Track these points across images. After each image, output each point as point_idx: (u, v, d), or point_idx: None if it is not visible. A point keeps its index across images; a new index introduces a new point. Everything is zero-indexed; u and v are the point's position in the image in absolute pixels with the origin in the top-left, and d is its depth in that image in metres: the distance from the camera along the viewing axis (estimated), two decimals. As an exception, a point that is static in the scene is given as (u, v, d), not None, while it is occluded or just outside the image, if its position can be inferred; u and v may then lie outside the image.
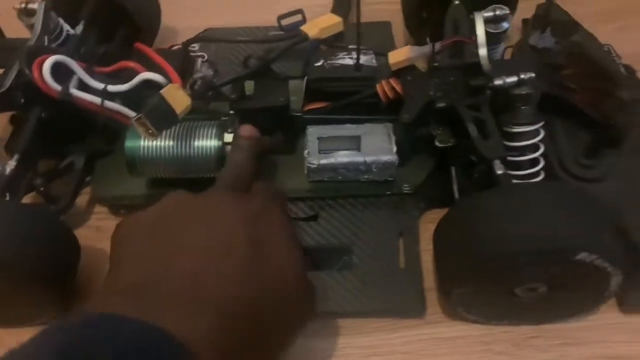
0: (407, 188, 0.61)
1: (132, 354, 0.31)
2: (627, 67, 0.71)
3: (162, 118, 0.51)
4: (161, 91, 0.52)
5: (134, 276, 0.39)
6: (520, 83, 0.52)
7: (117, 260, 0.42)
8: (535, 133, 0.53)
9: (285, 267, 0.42)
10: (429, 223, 0.60)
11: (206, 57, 0.69)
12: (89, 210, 0.65)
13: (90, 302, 0.43)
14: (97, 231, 0.64)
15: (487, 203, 0.47)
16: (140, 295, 0.37)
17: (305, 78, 0.63)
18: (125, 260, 0.42)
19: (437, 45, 0.59)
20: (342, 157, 0.60)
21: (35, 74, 0.54)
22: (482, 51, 0.56)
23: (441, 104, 0.56)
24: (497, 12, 0.59)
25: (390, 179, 0.61)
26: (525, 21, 0.75)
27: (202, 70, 0.65)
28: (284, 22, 0.74)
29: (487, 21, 0.59)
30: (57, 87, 0.55)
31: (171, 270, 0.39)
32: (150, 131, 0.49)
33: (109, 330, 0.32)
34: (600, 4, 0.81)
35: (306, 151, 0.60)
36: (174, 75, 0.58)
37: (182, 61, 0.64)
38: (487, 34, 0.58)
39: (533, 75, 0.52)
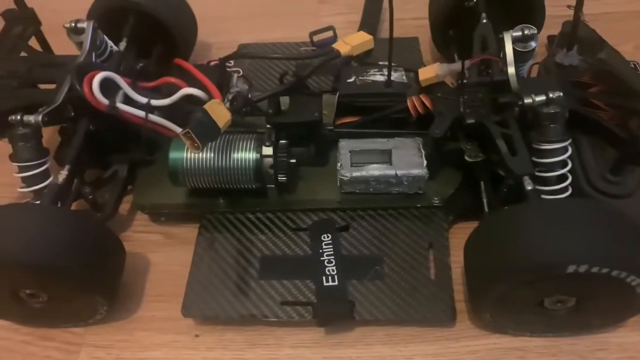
0: (436, 201, 0.63)
1: None
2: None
3: (206, 132, 0.53)
4: (204, 106, 0.55)
5: None
6: (548, 102, 0.54)
7: None
8: (564, 150, 0.55)
9: None
10: (457, 235, 0.62)
11: (241, 72, 0.72)
12: (130, 217, 0.68)
13: None
14: (136, 238, 0.67)
15: (519, 217, 0.49)
16: None
17: (337, 93, 0.65)
18: None
19: (467, 63, 0.61)
20: (374, 170, 0.62)
21: (86, 89, 0.57)
22: (511, 69, 0.58)
23: (470, 120, 0.58)
24: (526, 32, 0.61)
25: (420, 191, 0.63)
26: (550, 38, 0.77)
27: (237, 85, 0.68)
28: (316, 38, 0.77)
29: (515, 40, 0.61)
30: (105, 101, 0.58)
31: None
32: (195, 144, 0.52)
33: None
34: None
35: (339, 164, 0.63)
36: (214, 90, 0.60)
37: (219, 76, 0.66)
38: (515, 52, 0.60)
39: (561, 94, 0.54)
